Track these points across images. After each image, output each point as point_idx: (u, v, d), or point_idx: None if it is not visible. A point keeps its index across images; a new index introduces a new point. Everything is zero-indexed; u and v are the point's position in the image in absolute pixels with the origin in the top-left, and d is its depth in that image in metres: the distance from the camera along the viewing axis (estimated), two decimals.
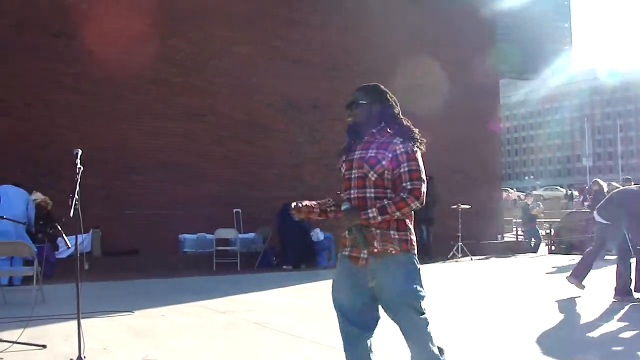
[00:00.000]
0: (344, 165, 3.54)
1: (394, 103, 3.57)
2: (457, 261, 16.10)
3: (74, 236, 5.02)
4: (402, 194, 3.29)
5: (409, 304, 3.26)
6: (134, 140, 14.95)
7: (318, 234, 15.27)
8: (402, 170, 3.33)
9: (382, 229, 3.34)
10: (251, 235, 15.24)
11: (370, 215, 3.29)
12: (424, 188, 3.31)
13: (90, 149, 13.80)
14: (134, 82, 14.96)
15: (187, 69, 15.60)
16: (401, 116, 3.56)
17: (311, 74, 17.43)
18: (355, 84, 3.77)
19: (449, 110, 18.95)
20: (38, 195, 12.08)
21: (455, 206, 16.76)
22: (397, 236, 3.35)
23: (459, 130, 19.56)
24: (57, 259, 12.20)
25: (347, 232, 3.44)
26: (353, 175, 3.46)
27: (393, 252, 3.32)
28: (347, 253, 3.47)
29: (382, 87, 3.60)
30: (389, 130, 3.49)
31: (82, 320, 4.91)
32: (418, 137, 3.45)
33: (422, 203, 3.29)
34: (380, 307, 3.41)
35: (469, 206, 17.14)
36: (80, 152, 4.84)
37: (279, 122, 17.01)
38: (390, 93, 3.60)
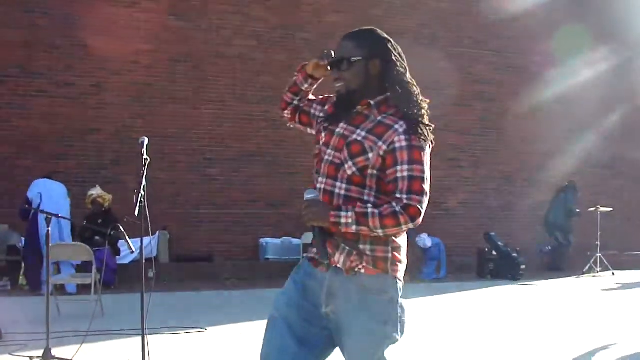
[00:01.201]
0: (323, 135, 2.97)
1: (401, 60, 2.95)
2: (594, 276, 15.67)
3: (138, 239, 5.08)
4: (395, 207, 2.69)
5: (370, 354, 2.77)
6: (211, 127, 15.21)
7: (425, 240, 15.18)
8: (399, 174, 2.72)
9: (349, 240, 2.78)
10: None
11: (343, 220, 2.70)
12: (424, 205, 2.73)
13: (157, 137, 14.12)
14: (211, 60, 15.21)
15: (271, 44, 15.75)
16: (412, 85, 2.91)
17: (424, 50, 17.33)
18: None
19: (596, 89, 18.42)
20: (97, 190, 12.24)
21: (593, 209, 16.31)
22: (370, 251, 2.79)
23: (609, 116, 18.95)
24: (119, 265, 12.41)
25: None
26: (326, 157, 2.90)
27: (363, 270, 2.77)
28: (310, 255, 2.95)
29: (381, 32, 2.99)
30: (390, 106, 2.88)
31: (147, 337, 4.92)
32: (428, 127, 2.83)
33: (417, 224, 2.73)
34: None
35: (611, 209, 16.64)
36: (146, 140, 4.83)
37: None
38: (394, 43, 2.99)
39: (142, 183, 4.62)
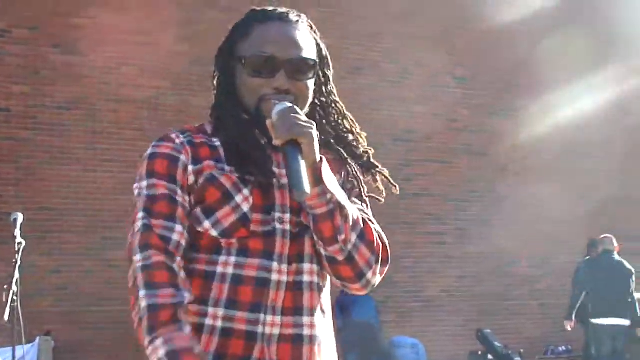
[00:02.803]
0: (242, 195, 2.69)
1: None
2: None
3: (9, 348, 5.01)
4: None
5: None
6: (111, 195, 15.13)
7: (398, 341, 15.13)
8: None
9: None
10: None
11: (326, 179, 2.61)
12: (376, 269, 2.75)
13: (37, 210, 13.97)
14: (110, 106, 15.19)
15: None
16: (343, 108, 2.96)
17: None
18: None
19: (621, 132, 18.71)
20: None
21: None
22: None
23: None
24: None
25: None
26: (268, 228, 2.68)
27: None
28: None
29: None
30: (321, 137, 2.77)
31: None
32: (380, 172, 2.93)
33: (374, 279, 2.76)
34: None
35: None
36: (20, 217, 4.80)
37: None
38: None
39: (14, 275, 4.57)
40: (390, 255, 2.80)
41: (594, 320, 13.47)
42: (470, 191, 17.70)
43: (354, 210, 2.68)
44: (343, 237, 2.63)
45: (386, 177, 2.91)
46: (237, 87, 2.86)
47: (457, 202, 17.52)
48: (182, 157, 2.73)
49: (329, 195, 2.61)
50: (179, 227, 2.63)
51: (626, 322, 13.37)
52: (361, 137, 2.92)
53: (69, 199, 14.75)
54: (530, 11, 18.26)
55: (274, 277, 2.62)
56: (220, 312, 2.60)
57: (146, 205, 2.69)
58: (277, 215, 2.68)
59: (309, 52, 2.80)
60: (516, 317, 17.58)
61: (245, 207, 2.65)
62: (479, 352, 15.56)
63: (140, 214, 2.68)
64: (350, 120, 2.93)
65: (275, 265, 2.63)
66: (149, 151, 2.82)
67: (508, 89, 18.16)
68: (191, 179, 2.71)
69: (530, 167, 17.97)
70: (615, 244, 13.88)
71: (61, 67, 14.93)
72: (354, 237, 2.65)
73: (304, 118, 2.59)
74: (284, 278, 2.63)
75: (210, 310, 2.60)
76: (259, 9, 2.92)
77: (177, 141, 2.78)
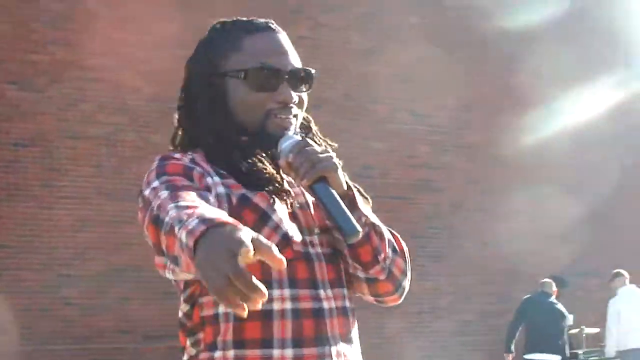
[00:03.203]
0: (269, 222, 2.45)
1: None
2: None
3: None
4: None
5: None
6: (68, 233, 14.99)
7: None
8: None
9: None
10: None
11: (362, 209, 2.51)
12: None
13: None
14: (67, 143, 15.09)
15: None
16: None
17: None
18: None
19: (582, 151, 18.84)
20: None
21: (576, 331, 16.18)
22: None
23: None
24: None
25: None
26: (303, 249, 2.48)
27: None
28: None
29: None
30: None
31: None
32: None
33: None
34: None
35: (598, 330, 16.74)
36: None
37: None
38: None
39: None
40: None
41: (527, 356, 13.85)
42: (429, 227, 17.75)
43: (381, 224, 2.55)
44: (382, 256, 2.52)
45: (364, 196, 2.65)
46: (232, 105, 2.57)
47: (417, 238, 17.55)
48: (198, 168, 2.46)
49: (363, 219, 2.48)
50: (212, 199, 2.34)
51: (557, 358, 13.59)
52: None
53: (25, 237, 14.62)
54: (484, 52, 18.43)
55: (325, 305, 2.44)
56: (289, 352, 2.38)
57: (164, 182, 2.37)
58: (307, 238, 2.49)
59: (300, 61, 2.65)
60: (474, 353, 17.58)
61: (284, 227, 2.43)
62: None
63: (156, 182, 2.39)
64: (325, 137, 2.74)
65: (322, 292, 2.44)
66: (154, 164, 2.48)
67: (467, 125, 18.27)
68: (220, 189, 2.42)
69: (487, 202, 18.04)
70: (554, 289, 14.22)
71: (18, 103, 14.84)
72: (390, 253, 2.54)
73: (319, 148, 2.45)
74: (333, 305, 2.47)
75: (276, 352, 2.36)
76: (243, 19, 2.68)
77: (185, 158, 2.51)
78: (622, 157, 19.80)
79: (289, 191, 2.50)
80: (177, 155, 2.52)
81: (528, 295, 14.28)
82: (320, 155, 2.39)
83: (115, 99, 15.47)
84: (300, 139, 2.46)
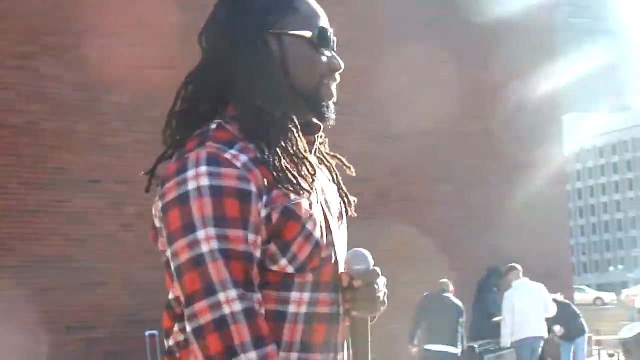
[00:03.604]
0: (326, 211, 2.43)
1: None
2: None
3: None
4: None
5: None
6: None
7: None
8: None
9: None
10: None
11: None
12: None
13: None
14: None
15: None
16: None
17: None
18: None
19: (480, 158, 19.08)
20: None
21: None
22: None
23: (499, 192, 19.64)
24: None
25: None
26: (332, 254, 2.41)
27: None
28: None
29: None
30: None
31: None
32: None
33: None
34: None
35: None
36: None
37: None
38: None
39: None
40: None
41: (426, 347, 14.54)
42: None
43: None
44: None
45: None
46: (291, 65, 2.43)
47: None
48: (253, 189, 2.23)
49: None
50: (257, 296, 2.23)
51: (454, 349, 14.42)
52: None
53: None
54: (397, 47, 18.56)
55: (341, 310, 2.40)
56: (294, 356, 2.32)
57: (232, 269, 2.17)
58: (330, 238, 2.41)
59: None
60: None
61: (317, 234, 2.33)
62: None
63: (233, 293, 2.16)
64: None
65: (340, 296, 2.40)
66: (205, 182, 2.19)
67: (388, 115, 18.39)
68: (263, 213, 2.26)
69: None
70: (452, 288, 14.86)
71: None
72: None
73: (384, 287, 2.44)
74: (342, 310, 2.42)
75: (282, 355, 2.27)
76: None
77: (238, 163, 2.23)
78: None
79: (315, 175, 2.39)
80: (229, 167, 2.22)
81: (427, 293, 14.83)
82: (382, 296, 2.41)
83: (36, 87, 15.30)
84: (375, 268, 2.40)
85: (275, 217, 2.25)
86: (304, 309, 2.31)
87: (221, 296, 2.13)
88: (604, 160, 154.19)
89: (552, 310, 14.75)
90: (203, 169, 2.17)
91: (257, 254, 2.22)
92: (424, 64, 18.67)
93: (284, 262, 2.26)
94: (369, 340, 2.41)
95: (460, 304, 14.68)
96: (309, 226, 2.30)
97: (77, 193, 15.26)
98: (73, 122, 15.33)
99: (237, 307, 2.12)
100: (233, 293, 2.13)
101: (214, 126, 2.30)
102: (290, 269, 2.27)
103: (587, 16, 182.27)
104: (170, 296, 2.38)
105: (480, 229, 18.99)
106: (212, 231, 2.15)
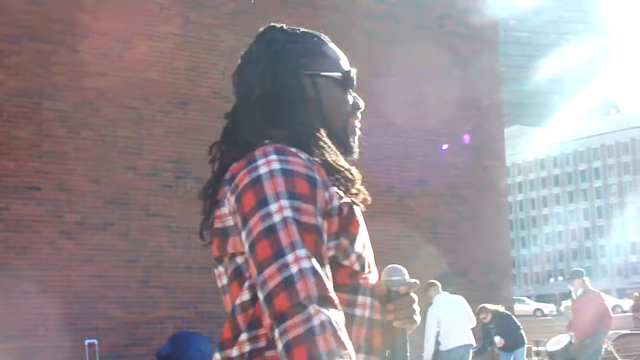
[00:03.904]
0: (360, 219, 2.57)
1: None
2: None
3: None
4: None
5: None
6: None
7: None
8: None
9: None
10: None
11: None
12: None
13: None
14: None
15: None
16: None
17: None
18: None
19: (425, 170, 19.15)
20: None
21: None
22: None
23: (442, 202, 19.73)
24: None
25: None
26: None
27: None
28: None
29: None
30: None
31: None
32: None
33: None
34: None
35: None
36: None
37: None
38: None
39: None
40: None
41: None
42: None
43: None
44: None
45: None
46: (324, 103, 2.64)
47: None
48: (318, 177, 2.40)
49: None
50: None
51: None
52: None
53: None
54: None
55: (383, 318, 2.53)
56: (361, 357, 2.41)
57: (303, 237, 2.25)
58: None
59: None
60: None
61: (367, 238, 2.57)
62: None
63: (302, 251, 2.22)
64: None
65: (377, 303, 2.52)
66: (276, 165, 2.35)
67: None
68: (335, 202, 2.43)
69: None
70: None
71: None
72: None
73: (417, 306, 2.54)
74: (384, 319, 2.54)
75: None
76: (311, 32, 2.77)
77: (302, 155, 2.42)
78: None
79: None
80: (294, 156, 2.39)
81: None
82: (418, 308, 2.52)
83: None
84: (415, 281, 2.54)
85: (345, 209, 2.44)
86: (367, 313, 2.45)
87: (289, 257, 2.21)
88: (545, 173, 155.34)
89: (474, 321, 15.10)
90: (273, 156, 2.35)
91: (325, 235, 2.35)
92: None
93: (354, 256, 2.44)
94: (408, 351, 2.51)
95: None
96: (363, 228, 2.52)
97: (17, 200, 15.12)
98: (12, 129, 15.21)
99: (306, 264, 2.20)
100: (302, 252, 2.22)
101: (267, 141, 2.46)
102: (357, 267, 2.45)
103: (529, 30, 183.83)
104: (237, 301, 2.41)
105: (420, 240, 19.06)
106: (285, 202, 2.27)
